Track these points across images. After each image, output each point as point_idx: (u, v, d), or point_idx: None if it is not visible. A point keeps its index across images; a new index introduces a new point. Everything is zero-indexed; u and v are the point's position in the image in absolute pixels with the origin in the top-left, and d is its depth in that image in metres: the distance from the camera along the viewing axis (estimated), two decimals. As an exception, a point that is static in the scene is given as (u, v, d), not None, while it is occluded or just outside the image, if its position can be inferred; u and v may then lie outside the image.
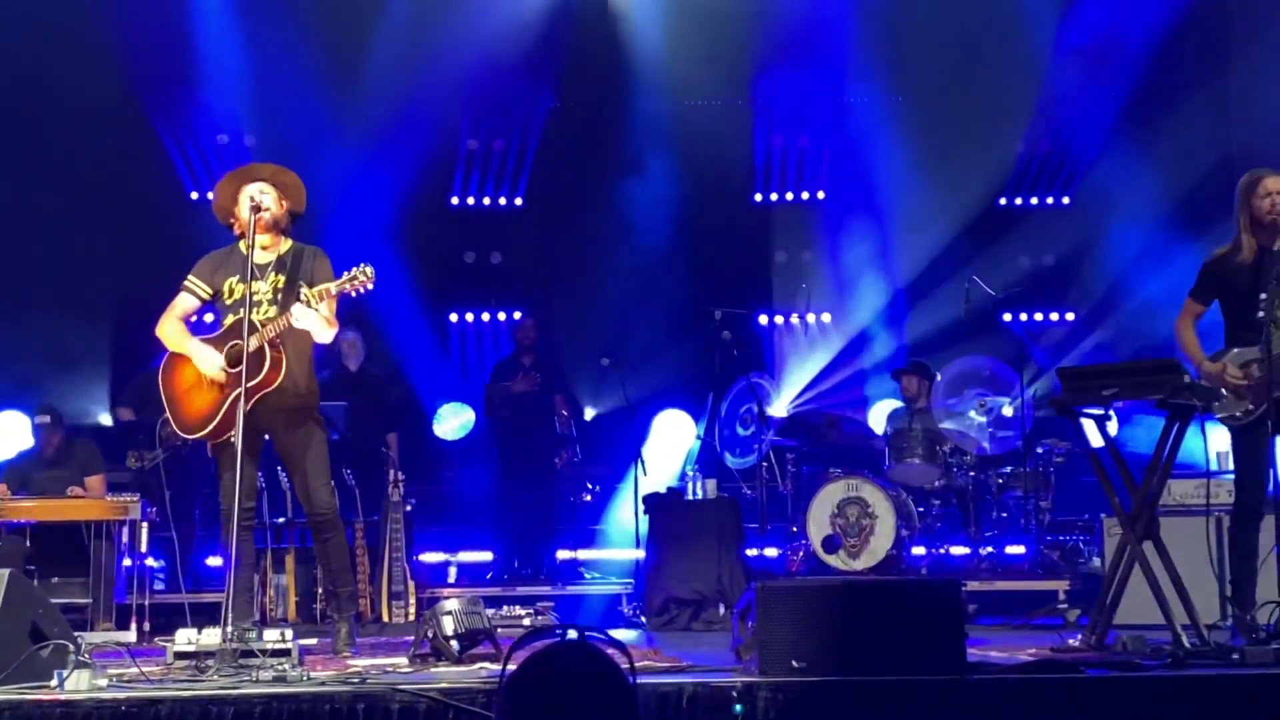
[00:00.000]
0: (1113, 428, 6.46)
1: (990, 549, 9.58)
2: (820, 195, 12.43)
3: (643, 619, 8.58)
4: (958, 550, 9.55)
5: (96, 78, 10.67)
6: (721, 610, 8.17)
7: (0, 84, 10.80)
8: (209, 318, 6.61)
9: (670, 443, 10.58)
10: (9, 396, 10.07)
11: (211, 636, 5.51)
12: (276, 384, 6.15)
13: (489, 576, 9.94)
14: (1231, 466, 6.61)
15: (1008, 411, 9.83)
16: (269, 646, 5.41)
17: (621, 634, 7.24)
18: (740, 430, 9.93)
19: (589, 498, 10.53)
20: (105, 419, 10.53)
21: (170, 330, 6.41)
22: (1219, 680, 5.15)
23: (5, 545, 8.10)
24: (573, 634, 2.46)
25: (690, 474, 9.50)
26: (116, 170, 11.06)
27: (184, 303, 6.46)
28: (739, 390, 9.92)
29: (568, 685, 2.37)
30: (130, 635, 7.70)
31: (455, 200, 12.28)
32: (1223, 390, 6.35)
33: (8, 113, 10.87)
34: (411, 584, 8.79)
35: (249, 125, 11.28)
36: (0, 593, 5.23)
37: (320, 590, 8.16)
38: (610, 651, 2.47)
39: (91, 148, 10.86)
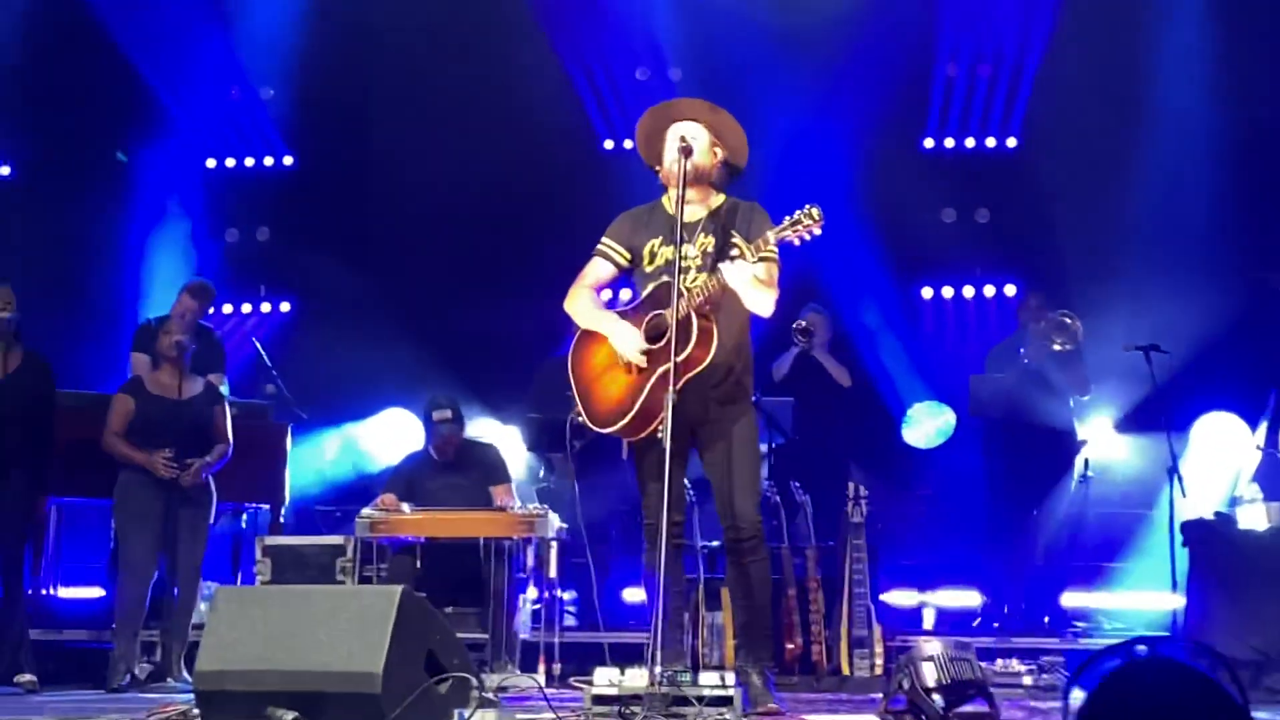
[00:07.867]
0: None
1: None
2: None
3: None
4: None
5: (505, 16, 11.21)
6: (1293, 676, 7.72)
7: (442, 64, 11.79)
8: (625, 294, 6.68)
9: (1218, 454, 10.15)
10: (396, 392, 10.46)
11: (637, 678, 5.57)
12: (706, 361, 6.02)
13: (976, 624, 9.76)
14: None
15: None
16: (705, 693, 5.43)
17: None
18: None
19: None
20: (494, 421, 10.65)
21: (581, 303, 6.42)
22: None
23: (391, 566, 8.35)
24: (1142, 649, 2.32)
25: (1245, 496, 9.09)
26: (528, 123, 11.48)
27: (597, 269, 6.46)
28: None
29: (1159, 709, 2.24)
30: (538, 677, 7.71)
31: (929, 143, 12.20)
32: None
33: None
34: (878, 628, 8.55)
35: (674, 57, 11.46)
36: (392, 614, 5.14)
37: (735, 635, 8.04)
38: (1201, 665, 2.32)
39: (508, 101, 11.43)
